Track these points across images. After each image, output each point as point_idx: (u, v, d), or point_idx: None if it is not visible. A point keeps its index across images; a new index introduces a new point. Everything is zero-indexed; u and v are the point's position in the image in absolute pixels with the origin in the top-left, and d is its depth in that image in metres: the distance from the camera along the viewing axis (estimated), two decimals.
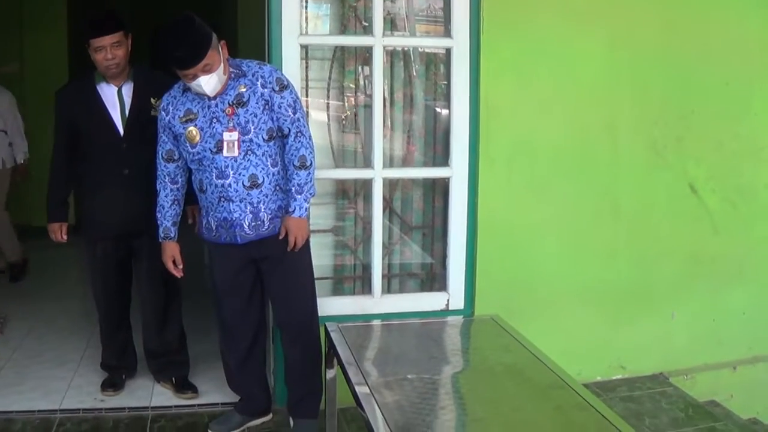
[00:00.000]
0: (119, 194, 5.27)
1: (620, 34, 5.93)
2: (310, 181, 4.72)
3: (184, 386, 5.72)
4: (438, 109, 5.83)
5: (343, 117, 5.75)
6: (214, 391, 5.74)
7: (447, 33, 5.56)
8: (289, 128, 4.68)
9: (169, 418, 5.40)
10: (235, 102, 4.60)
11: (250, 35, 7.93)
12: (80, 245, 5.61)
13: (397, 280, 5.99)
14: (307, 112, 5.41)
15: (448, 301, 5.80)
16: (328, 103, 5.74)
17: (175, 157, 4.87)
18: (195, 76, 4.45)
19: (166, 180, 4.94)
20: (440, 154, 5.79)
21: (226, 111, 4.60)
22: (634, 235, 6.22)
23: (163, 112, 4.80)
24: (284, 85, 4.66)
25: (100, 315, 5.73)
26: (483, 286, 5.85)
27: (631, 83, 6.01)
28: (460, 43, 5.51)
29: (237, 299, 5.01)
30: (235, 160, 4.62)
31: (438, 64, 5.80)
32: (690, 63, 6.16)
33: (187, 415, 5.45)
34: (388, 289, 5.86)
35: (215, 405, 5.58)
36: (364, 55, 5.62)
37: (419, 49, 5.81)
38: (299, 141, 4.69)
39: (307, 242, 4.91)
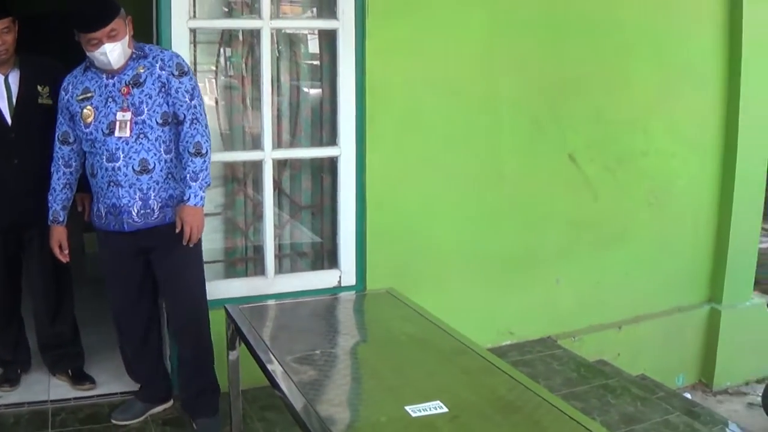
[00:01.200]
0: (9, 186, 5.08)
1: (500, 9, 6.10)
2: (206, 169, 4.61)
3: (81, 378, 5.62)
4: (322, 90, 5.86)
5: (230, 100, 5.72)
6: (112, 381, 5.67)
7: (333, 15, 5.61)
8: (184, 114, 4.59)
9: (69, 411, 5.30)
10: (131, 82, 4.54)
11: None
12: None
13: (288, 259, 6.02)
14: None
15: (340, 277, 5.87)
16: (216, 87, 5.72)
17: (71, 140, 4.76)
18: (100, 43, 4.38)
19: (60, 163, 4.82)
20: (328, 134, 5.85)
21: (122, 90, 4.53)
22: (517, 204, 6.40)
23: (62, 92, 4.71)
24: (184, 71, 4.62)
25: None
26: (373, 262, 5.94)
27: (510, 57, 6.17)
28: (345, 24, 5.58)
29: (126, 289, 4.93)
30: (127, 143, 4.53)
31: (322, 45, 5.85)
32: (568, 36, 6.38)
33: (88, 407, 5.35)
34: (280, 269, 5.88)
35: (114, 395, 5.50)
36: (251, 39, 5.63)
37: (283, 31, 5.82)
38: (194, 128, 4.60)
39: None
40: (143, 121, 4.55)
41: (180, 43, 5.21)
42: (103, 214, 4.74)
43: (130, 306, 4.98)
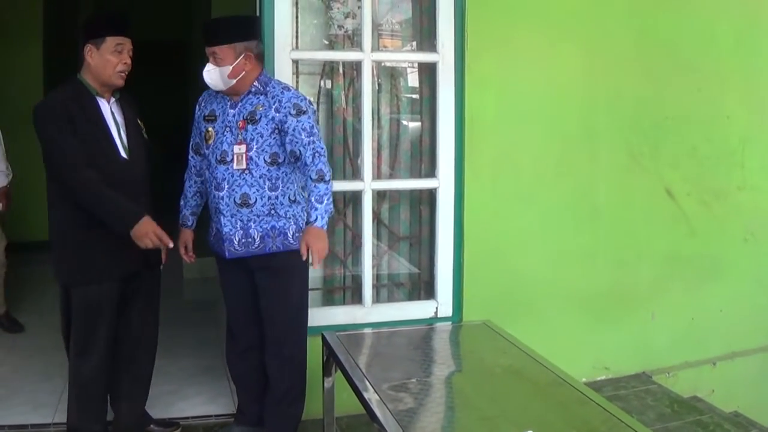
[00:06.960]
0: None
1: (596, 44, 6.12)
2: (329, 195, 4.63)
3: (167, 424, 5.37)
4: (421, 122, 5.92)
5: (331, 131, 5.77)
6: (207, 403, 5.75)
7: (432, 48, 5.69)
8: (301, 150, 4.62)
9: None
10: (248, 117, 4.68)
11: None
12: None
13: (386, 289, 6.07)
14: None
15: (437, 308, 5.90)
16: (317, 117, 5.76)
17: (201, 151, 4.94)
18: (209, 60, 4.68)
19: (192, 172, 5.07)
20: (426, 167, 5.91)
21: (239, 124, 4.69)
22: (613, 239, 6.38)
23: (197, 106, 4.98)
24: (302, 111, 4.67)
25: (88, 376, 4.77)
26: (470, 294, 5.95)
27: (607, 92, 6.19)
28: (445, 57, 5.66)
29: (238, 303, 5.02)
30: (232, 175, 4.67)
31: (422, 78, 5.92)
32: (663, 70, 6.35)
33: (183, 428, 5.39)
34: (377, 298, 5.93)
35: (209, 417, 5.56)
36: (351, 71, 5.71)
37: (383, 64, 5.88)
38: (317, 159, 4.63)
39: (306, 260, 4.69)
40: (250, 157, 4.68)
41: (282, 74, 5.31)
42: (212, 237, 4.95)
43: (242, 323, 5.07)
